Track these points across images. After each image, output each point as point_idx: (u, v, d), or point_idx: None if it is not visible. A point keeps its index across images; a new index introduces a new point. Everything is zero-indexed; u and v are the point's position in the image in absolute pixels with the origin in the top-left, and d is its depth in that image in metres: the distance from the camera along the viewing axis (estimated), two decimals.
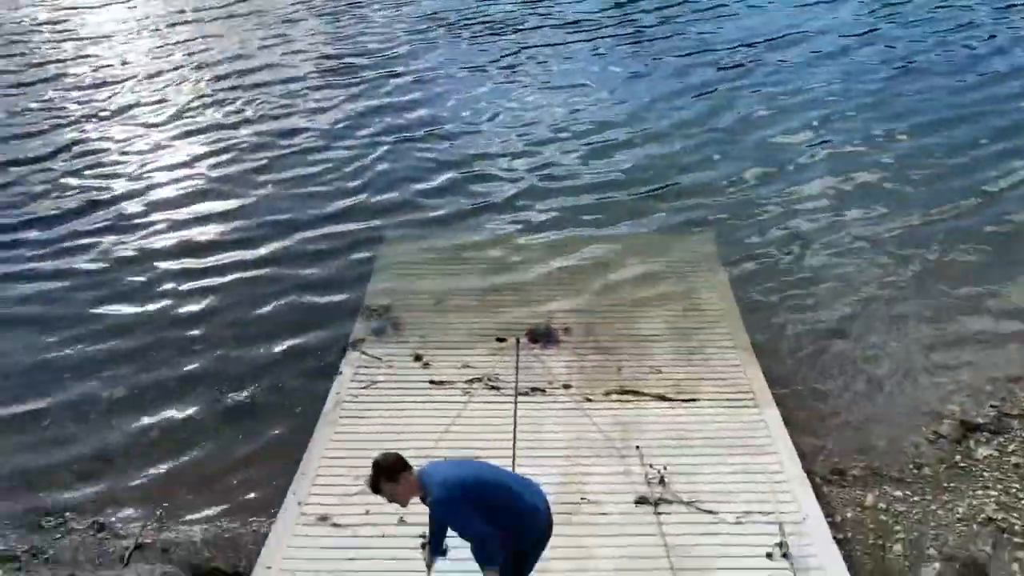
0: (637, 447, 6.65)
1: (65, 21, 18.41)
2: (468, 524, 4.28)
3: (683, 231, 10.29)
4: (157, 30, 17.76)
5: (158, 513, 6.50)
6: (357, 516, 6.01)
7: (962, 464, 6.75)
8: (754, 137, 12.46)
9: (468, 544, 4.41)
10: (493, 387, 7.43)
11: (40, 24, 18.33)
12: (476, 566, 4.69)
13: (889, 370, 7.97)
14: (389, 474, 4.29)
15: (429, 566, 4.72)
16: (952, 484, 6.55)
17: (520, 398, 7.21)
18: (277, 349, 8.41)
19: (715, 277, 9.24)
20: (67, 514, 6.50)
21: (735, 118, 13.02)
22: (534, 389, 7.41)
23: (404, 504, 4.42)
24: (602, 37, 16.41)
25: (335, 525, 5.95)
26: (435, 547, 4.72)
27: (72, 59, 16.20)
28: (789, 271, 9.52)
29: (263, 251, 10.12)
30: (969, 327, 8.50)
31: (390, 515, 5.93)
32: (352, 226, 10.61)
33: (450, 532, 4.62)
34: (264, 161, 12.24)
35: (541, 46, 16.04)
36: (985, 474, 6.63)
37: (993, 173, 11.22)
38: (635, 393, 7.38)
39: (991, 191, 10.89)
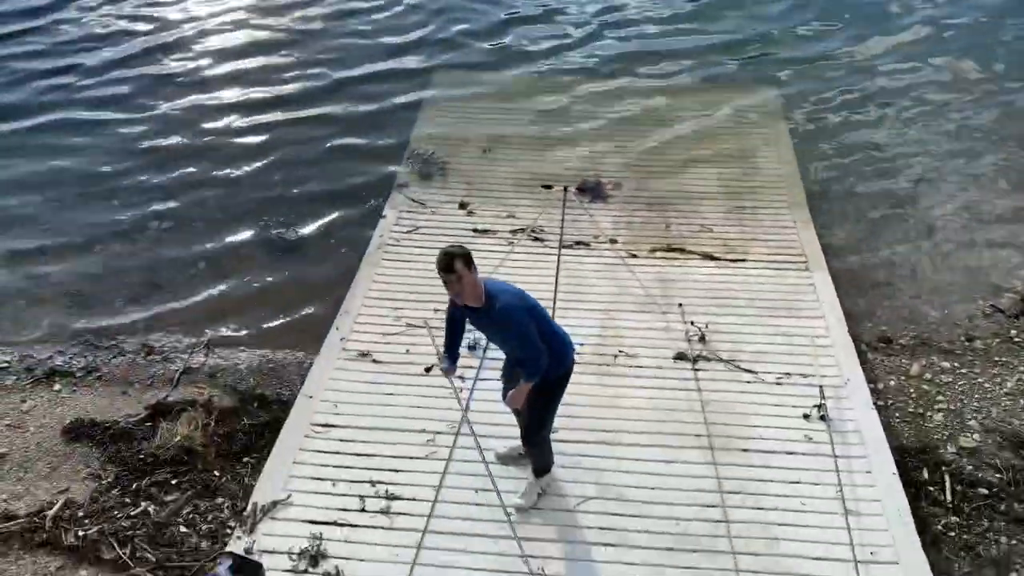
0: (680, 304, 6.56)
1: None
2: (531, 333, 4.35)
3: (749, 86, 9.77)
4: None
5: (205, 340, 6.68)
6: (397, 354, 6.12)
7: (1017, 339, 6.54)
8: None
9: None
10: (537, 238, 7.33)
11: None
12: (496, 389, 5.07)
13: (951, 241, 7.64)
14: (467, 260, 4.23)
15: (448, 373, 4.77)
16: (1003, 358, 6.37)
17: (564, 251, 7.11)
18: (322, 189, 8.36)
19: (777, 135, 8.83)
20: (119, 336, 6.73)
21: None
22: (578, 243, 7.29)
23: (461, 298, 4.35)
24: None
25: (376, 361, 6.07)
26: (454, 355, 4.77)
27: None
28: (858, 134, 9.05)
29: (311, 89, 9.91)
30: None
31: (429, 355, 6.01)
32: (402, 65, 10.30)
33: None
34: None
35: None
36: None
37: None
38: (682, 251, 7.22)
39: None
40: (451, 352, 4.77)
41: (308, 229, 7.89)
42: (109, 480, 5.36)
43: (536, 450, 4.97)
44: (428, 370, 5.63)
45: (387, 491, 5.09)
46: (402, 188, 8.00)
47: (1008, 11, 11.06)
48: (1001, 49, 10.36)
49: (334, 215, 8.03)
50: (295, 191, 8.39)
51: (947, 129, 9.06)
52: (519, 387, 4.57)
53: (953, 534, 5.06)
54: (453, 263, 4.21)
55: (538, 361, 4.41)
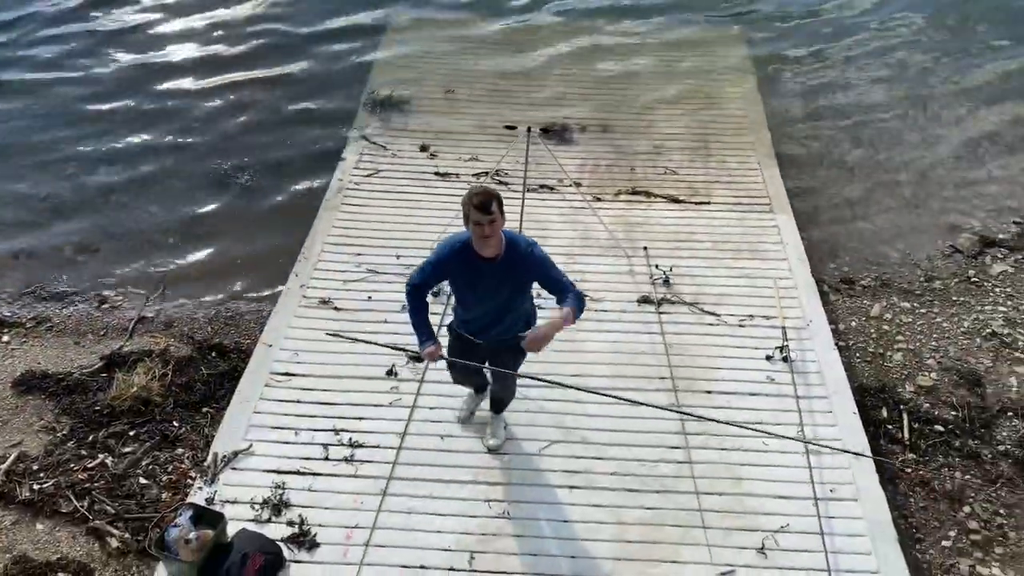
0: (644, 248, 6.52)
1: None
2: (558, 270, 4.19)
3: (716, 31, 9.62)
4: None
5: (160, 289, 6.51)
6: (359, 301, 6.02)
7: (975, 279, 6.63)
8: None
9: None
10: (501, 182, 7.20)
11: None
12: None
13: (913, 182, 7.68)
14: (501, 202, 3.92)
15: (435, 354, 4.24)
16: (962, 299, 6.46)
17: (528, 194, 6.97)
18: (279, 132, 8.13)
19: (743, 79, 8.74)
20: (69, 286, 6.53)
21: None
22: (543, 186, 7.18)
23: (490, 241, 3.96)
24: None
25: (337, 309, 5.96)
26: (431, 331, 4.29)
27: None
28: (823, 77, 9.02)
29: (265, 34, 9.58)
30: (1003, 141, 8.12)
31: (393, 303, 5.94)
32: (361, 10, 9.97)
33: None
34: None
35: None
36: (997, 290, 6.52)
37: None
38: (647, 194, 7.15)
39: None
40: (428, 329, 4.25)
41: (265, 175, 7.68)
42: (64, 433, 5.24)
43: (509, 393, 4.94)
44: (392, 373, 5.43)
45: (351, 439, 5.04)
46: (362, 131, 7.78)
47: None
48: (977, 11, 10.19)
49: (291, 157, 7.82)
50: (250, 132, 8.15)
51: (911, 77, 9.03)
52: (562, 318, 4.01)
53: (909, 470, 5.17)
54: (492, 204, 3.82)
55: (574, 287, 4.14)
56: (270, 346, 5.64)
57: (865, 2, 10.30)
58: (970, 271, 6.71)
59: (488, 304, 4.29)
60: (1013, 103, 8.60)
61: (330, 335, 5.05)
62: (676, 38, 9.42)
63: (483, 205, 3.85)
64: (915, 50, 9.46)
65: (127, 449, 5.14)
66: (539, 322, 4.34)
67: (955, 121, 8.42)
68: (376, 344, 4.84)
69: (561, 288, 4.15)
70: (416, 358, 5.43)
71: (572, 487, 4.83)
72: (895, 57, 9.34)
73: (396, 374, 5.46)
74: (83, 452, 5.12)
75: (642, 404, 4.74)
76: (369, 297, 6.05)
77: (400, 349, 4.96)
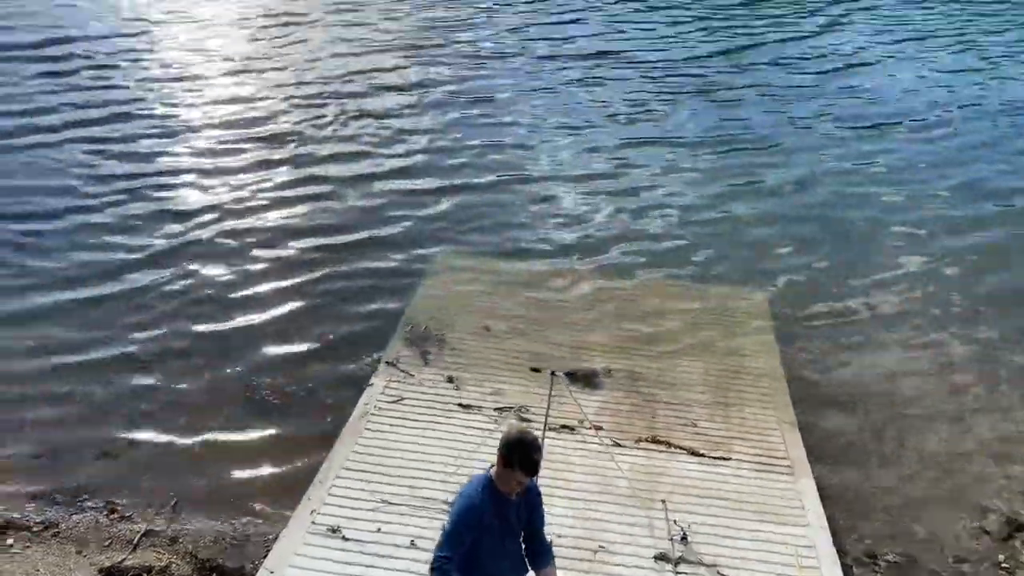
0: (663, 500, 6.42)
1: None
2: None
3: (737, 286, 10.03)
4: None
5: (172, 502, 6.46)
6: (369, 532, 5.90)
7: (1005, 565, 6.38)
8: (833, 202, 12.09)
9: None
10: (523, 418, 7.28)
11: None
12: None
13: (938, 454, 7.62)
14: None
15: None
16: None
17: (548, 433, 7.00)
18: (311, 350, 8.41)
19: (764, 336, 8.96)
20: (82, 493, 6.51)
21: (810, 179, 12.67)
22: (564, 426, 7.23)
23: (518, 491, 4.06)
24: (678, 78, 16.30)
25: (345, 539, 5.84)
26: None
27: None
28: (844, 340, 9.21)
29: (310, 248, 10.17)
30: None
31: (403, 536, 5.84)
32: (403, 236, 10.63)
33: None
34: (323, 155, 12.43)
35: (612, 78, 15.97)
36: None
37: None
38: (667, 444, 7.15)
39: None
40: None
41: (291, 390, 7.85)
42: None
43: None
44: None
45: None
46: (393, 358, 8.00)
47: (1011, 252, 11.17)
48: (1000, 260, 10.67)
49: (319, 378, 8.01)
50: (281, 348, 8.43)
51: (936, 340, 9.23)
52: None
53: None
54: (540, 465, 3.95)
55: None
56: (272, 573, 5.48)
57: (892, 265, 10.69)
58: (1000, 556, 6.47)
59: (510, 549, 4.16)
60: None
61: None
62: (700, 293, 9.77)
63: (535, 467, 3.89)
64: (944, 312, 9.69)
65: None
66: None
67: (982, 395, 8.45)
68: None
69: (543, 538, 4.19)
70: None
71: None
72: (924, 319, 9.58)
73: None
74: None
75: None
76: (379, 528, 5.94)
77: None
